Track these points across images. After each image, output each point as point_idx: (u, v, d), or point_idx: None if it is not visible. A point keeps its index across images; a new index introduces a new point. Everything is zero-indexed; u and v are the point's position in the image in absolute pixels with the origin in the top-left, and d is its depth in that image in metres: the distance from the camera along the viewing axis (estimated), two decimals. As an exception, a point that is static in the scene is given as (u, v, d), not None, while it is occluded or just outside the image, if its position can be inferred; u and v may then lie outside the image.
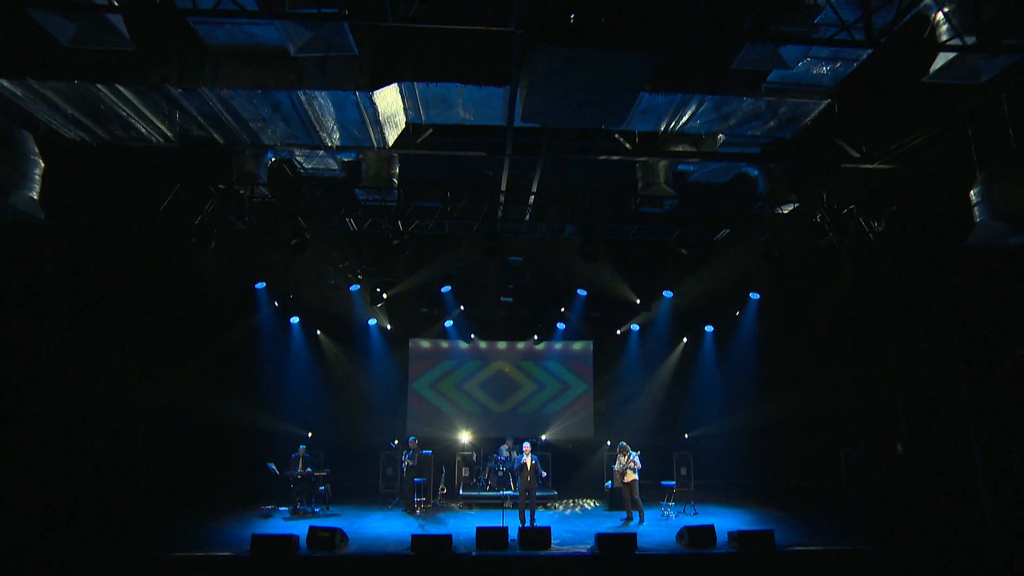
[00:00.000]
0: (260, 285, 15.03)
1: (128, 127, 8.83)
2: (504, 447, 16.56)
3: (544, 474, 12.54)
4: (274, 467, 14.18)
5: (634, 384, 18.32)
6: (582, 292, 15.75)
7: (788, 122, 9.86)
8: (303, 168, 11.37)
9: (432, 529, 12.29)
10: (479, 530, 10.65)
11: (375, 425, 17.44)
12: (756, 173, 11.82)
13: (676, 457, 16.18)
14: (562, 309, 16.80)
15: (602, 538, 10.51)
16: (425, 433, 16.87)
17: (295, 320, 16.89)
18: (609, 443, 16.98)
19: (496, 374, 18.69)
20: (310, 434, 16.06)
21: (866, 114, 9.61)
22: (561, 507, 14.90)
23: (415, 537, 10.32)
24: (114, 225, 10.74)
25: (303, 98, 8.38)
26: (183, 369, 14.14)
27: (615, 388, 18.35)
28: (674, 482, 14.23)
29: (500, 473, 15.59)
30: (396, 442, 16.82)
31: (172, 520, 12.63)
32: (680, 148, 10.39)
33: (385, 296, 15.47)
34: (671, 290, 14.90)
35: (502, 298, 16.77)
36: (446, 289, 15.73)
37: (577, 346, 18.93)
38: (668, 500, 14.21)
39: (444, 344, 18.73)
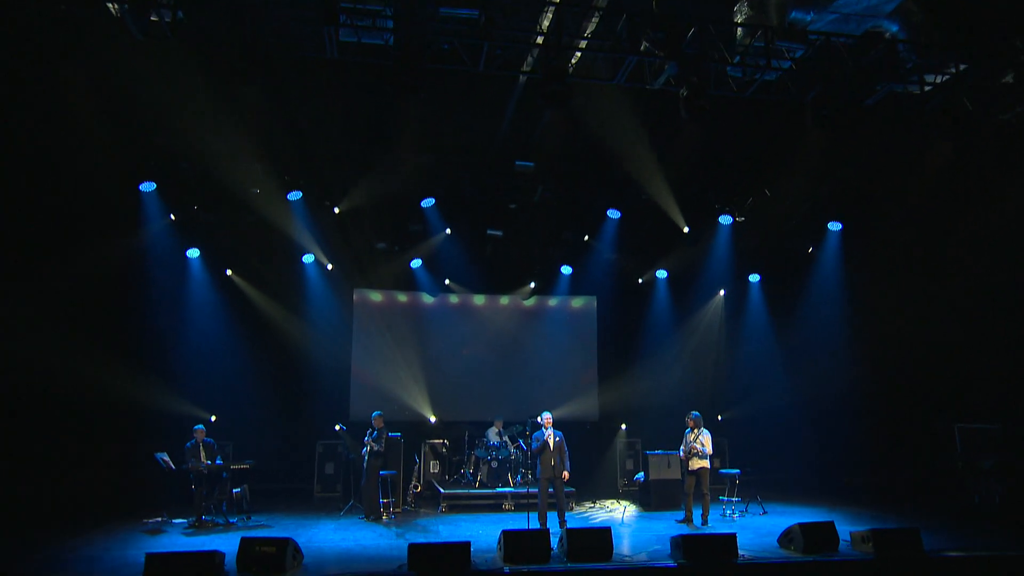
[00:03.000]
0: (148, 186, 11.41)
1: None
2: (492, 430, 14.15)
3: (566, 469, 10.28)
4: (167, 458, 11.21)
5: (651, 352, 16.10)
6: (614, 213, 12.99)
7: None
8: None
9: (423, 538, 9.37)
10: (507, 534, 8.32)
11: (307, 405, 14.62)
12: (895, 29, 9.60)
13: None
14: (586, 237, 14.02)
15: (686, 543, 8.44)
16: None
17: (195, 253, 13.33)
18: (624, 426, 15.06)
19: (472, 338, 16.03)
20: (213, 417, 13.13)
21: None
22: (581, 508, 12.63)
23: (415, 548, 7.76)
24: None
25: None
26: (17, 311, 10.88)
27: (626, 357, 16.12)
28: (738, 470, 11.88)
29: (494, 465, 12.80)
30: (340, 427, 13.71)
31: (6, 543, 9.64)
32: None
33: (337, 211, 12.21)
34: (732, 213, 12.53)
35: (489, 230, 13.85)
36: (428, 203, 12.58)
37: (577, 303, 16.65)
38: (729, 494, 12.09)
39: (401, 297, 15.91)
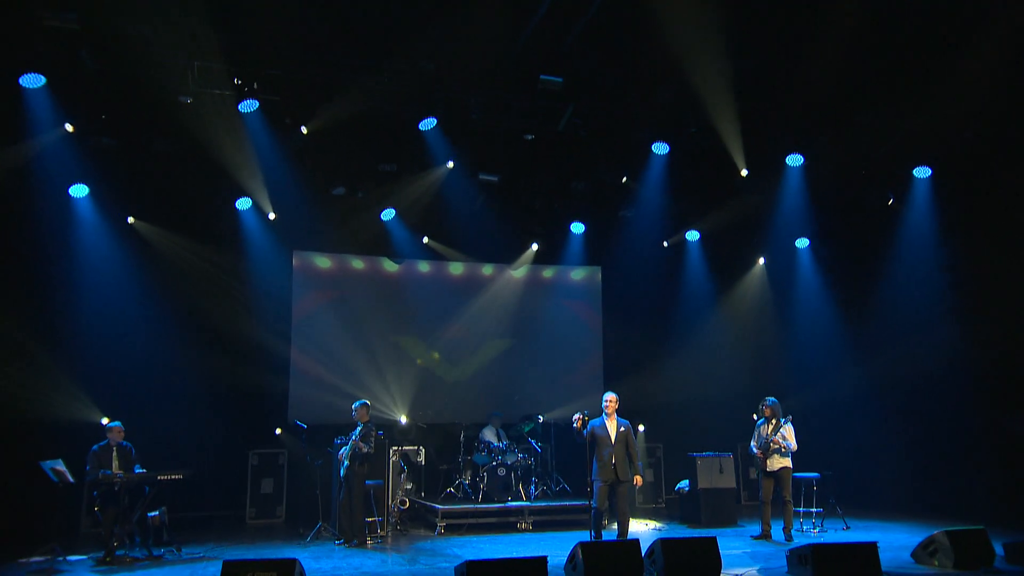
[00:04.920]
0: (32, 80, 9.27)
1: None
2: (488, 431, 12.96)
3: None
4: (61, 468, 9.38)
5: (674, 335, 15.24)
6: (661, 147, 11.70)
7: None
8: None
9: (442, 562, 8.01)
10: (586, 548, 7.29)
11: (236, 404, 12.79)
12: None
13: (741, 448, 13.66)
14: (624, 179, 12.76)
15: (817, 556, 7.57)
16: (322, 417, 12.42)
17: (82, 191, 11.52)
18: (643, 428, 14.14)
19: (447, 317, 14.59)
20: (106, 420, 11.03)
21: None
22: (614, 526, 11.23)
23: (474, 567, 6.65)
24: None
25: None
26: None
27: (641, 342, 15.01)
28: (817, 474, 10.98)
29: (501, 472, 11.60)
30: (283, 430, 12.11)
31: None
32: None
33: (305, 131, 10.42)
34: (802, 151, 11.62)
35: (481, 175, 12.47)
36: (429, 124, 10.88)
37: (577, 275, 15.75)
38: (806, 504, 11.22)
39: (356, 263, 14.48)
